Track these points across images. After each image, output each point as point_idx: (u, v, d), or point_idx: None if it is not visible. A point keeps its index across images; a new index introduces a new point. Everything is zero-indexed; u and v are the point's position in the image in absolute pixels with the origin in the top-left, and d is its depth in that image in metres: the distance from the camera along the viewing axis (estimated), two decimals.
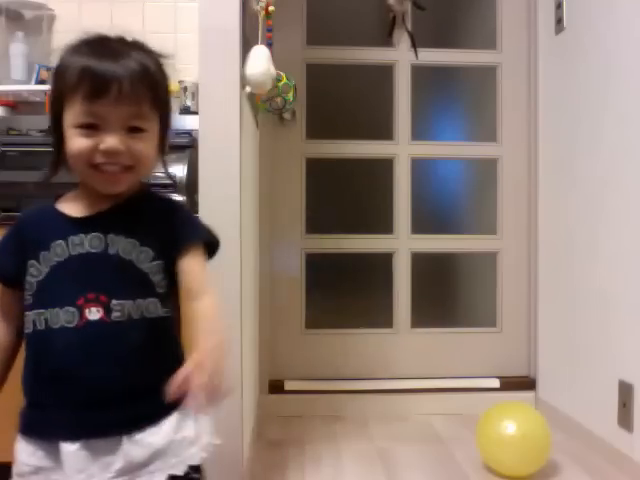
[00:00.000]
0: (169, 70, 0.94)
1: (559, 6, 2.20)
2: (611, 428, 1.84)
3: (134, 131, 0.87)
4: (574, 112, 2.11)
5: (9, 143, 1.62)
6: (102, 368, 0.85)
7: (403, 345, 2.44)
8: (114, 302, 0.86)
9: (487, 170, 2.49)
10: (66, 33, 2.21)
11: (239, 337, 1.47)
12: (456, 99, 2.56)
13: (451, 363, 2.43)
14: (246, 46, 1.56)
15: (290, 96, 2.09)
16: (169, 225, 0.92)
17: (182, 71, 2.16)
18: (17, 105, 2.01)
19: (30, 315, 0.87)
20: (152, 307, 0.89)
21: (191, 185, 1.51)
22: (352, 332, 2.43)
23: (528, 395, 2.35)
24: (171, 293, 0.92)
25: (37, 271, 0.88)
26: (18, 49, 2.03)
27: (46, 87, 1.97)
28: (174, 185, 0.99)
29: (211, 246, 0.95)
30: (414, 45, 2.41)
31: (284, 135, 2.40)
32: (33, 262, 0.88)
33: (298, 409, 2.29)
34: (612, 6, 1.88)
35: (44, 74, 2.01)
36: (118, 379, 0.86)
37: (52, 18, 2.13)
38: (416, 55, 2.41)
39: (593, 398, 1.96)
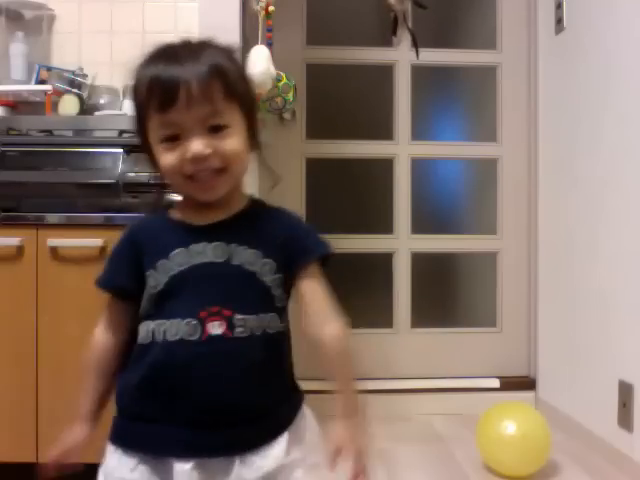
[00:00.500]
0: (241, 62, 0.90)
1: (559, 6, 2.20)
2: (611, 428, 1.84)
3: (216, 130, 0.82)
4: (574, 112, 2.11)
5: (9, 143, 1.62)
6: (222, 386, 0.81)
7: (403, 345, 2.44)
8: (237, 317, 0.81)
9: (487, 170, 2.49)
10: (66, 33, 2.22)
11: None
12: (456, 99, 2.56)
13: (451, 363, 2.43)
14: (246, 46, 1.56)
15: (290, 96, 2.09)
16: (292, 237, 0.88)
17: None
18: (17, 105, 2.01)
19: (150, 324, 0.82)
20: (273, 322, 0.85)
21: None
22: (352, 332, 2.42)
23: (528, 395, 2.35)
24: (287, 308, 0.89)
25: (155, 281, 0.83)
26: (18, 49, 2.03)
27: (46, 87, 1.97)
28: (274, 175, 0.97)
29: (326, 259, 0.90)
30: (415, 44, 2.40)
31: (284, 135, 2.40)
32: (151, 272, 0.84)
33: None
34: (612, 6, 1.88)
35: (44, 74, 2.01)
36: (237, 398, 0.82)
37: (52, 18, 2.13)
38: (417, 54, 2.41)
39: (593, 398, 1.96)
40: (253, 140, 0.89)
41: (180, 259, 0.83)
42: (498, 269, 2.47)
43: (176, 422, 0.80)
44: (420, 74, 2.47)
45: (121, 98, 2.07)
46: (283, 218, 0.92)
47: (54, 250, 1.54)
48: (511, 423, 1.70)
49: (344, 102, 2.48)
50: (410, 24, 2.42)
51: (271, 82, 1.66)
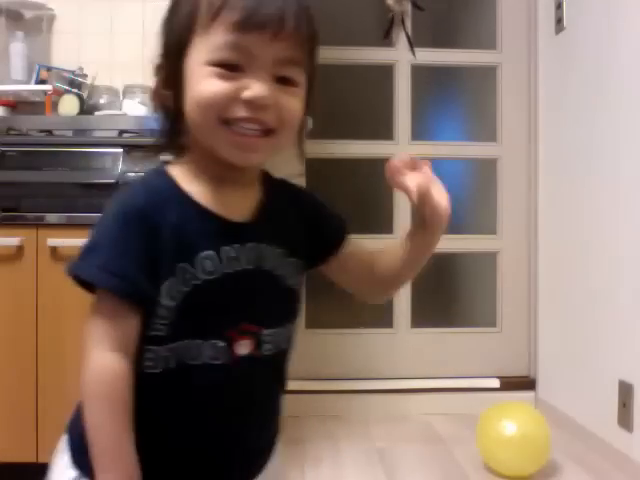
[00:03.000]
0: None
1: (559, 6, 2.20)
2: (611, 428, 1.84)
3: (284, 83, 0.65)
4: (574, 112, 2.11)
5: (9, 143, 1.62)
6: (259, 416, 0.70)
7: (403, 345, 2.44)
8: (265, 332, 0.68)
9: (487, 170, 2.49)
10: (66, 33, 2.21)
11: None
12: (456, 99, 2.56)
13: (451, 363, 2.43)
14: None
15: None
16: (314, 224, 0.76)
17: None
18: (17, 105, 2.01)
19: (159, 350, 0.64)
20: (294, 332, 0.74)
21: None
22: (352, 332, 2.43)
23: (528, 395, 2.35)
24: None
25: (176, 292, 0.63)
26: (18, 49, 2.03)
27: (46, 87, 1.97)
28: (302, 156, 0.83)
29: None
30: (411, 46, 2.41)
31: None
32: (171, 280, 0.63)
33: (298, 409, 2.29)
34: (612, 6, 1.88)
35: (44, 74, 2.00)
36: (271, 426, 0.73)
37: (52, 18, 2.13)
38: (414, 54, 2.41)
39: (593, 398, 1.96)
40: (304, 125, 0.72)
41: (209, 265, 0.65)
42: (498, 269, 2.47)
43: (194, 459, 0.66)
44: (420, 74, 2.47)
45: (121, 98, 2.06)
46: (302, 202, 0.78)
47: (54, 250, 1.53)
48: (511, 423, 1.70)
49: (344, 102, 2.48)
50: (409, 25, 2.42)
51: None
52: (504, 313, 2.46)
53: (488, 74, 2.47)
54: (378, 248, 0.81)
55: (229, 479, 0.70)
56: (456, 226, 2.51)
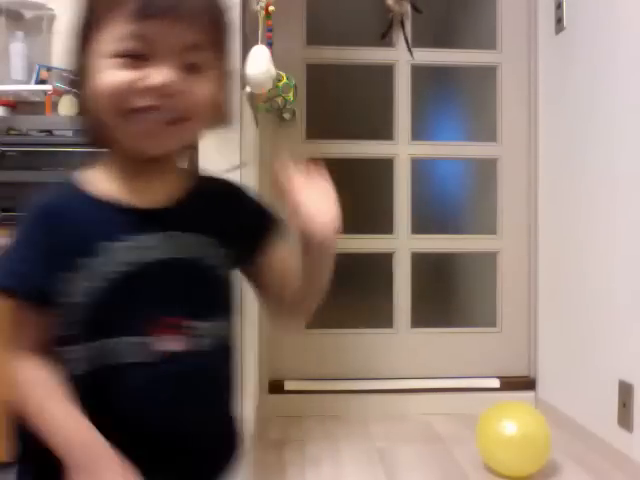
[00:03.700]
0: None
1: (559, 6, 2.20)
2: (611, 428, 1.84)
3: (192, 70, 0.63)
4: (574, 112, 2.11)
5: (9, 143, 1.62)
6: (185, 413, 0.65)
7: (403, 345, 2.44)
8: (198, 325, 0.65)
9: (487, 170, 2.49)
10: (66, 33, 2.21)
11: (239, 337, 1.47)
12: (456, 99, 2.56)
13: (451, 363, 2.43)
14: (246, 46, 1.56)
15: (290, 96, 2.09)
16: (246, 216, 0.74)
17: None
18: (17, 105, 2.01)
19: (77, 351, 0.62)
20: (232, 327, 0.71)
21: None
22: (352, 332, 2.43)
23: (528, 395, 2.35)
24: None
25: (83, 288, 0.62)
26: (18, 49, 2.03)
27: (46, 87, 1.97)
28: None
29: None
30: (409, 47, 2.41)
31: (284, 135, 2.40)
32: (74, 275, 0.62)
33: (298, 409, 2.29)
34: (612, 6, 1.88)
35: (44, 74, 2.00)
36: (204, 425, 0.67)
37: (52, 18, 2.13)
38: (411, 55, 2.41)
39: (593, 398, 1.96)
40: (216, 105, 0.68)
41: (124, 256, 0.62)
42: (498, 269, 2.47)
43: (137, 464, 0.62)
44: (420, 74, 2.47)
45: None
46: (234, 194, 0.76)
47: None
48: (511, 423, 1.70)
49: (344, 102, 2.48)
50: (409, 25, 2.42)
51: (271, 82, 1.66)
52: (504, 313, 2.46)
53: (488, 74, 2.47)
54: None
55: (168, 473, 0.66)
56: (456, 226, 2.52)
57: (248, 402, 1.71)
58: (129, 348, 0.62)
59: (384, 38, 2.42)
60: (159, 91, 0.60)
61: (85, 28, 0.64)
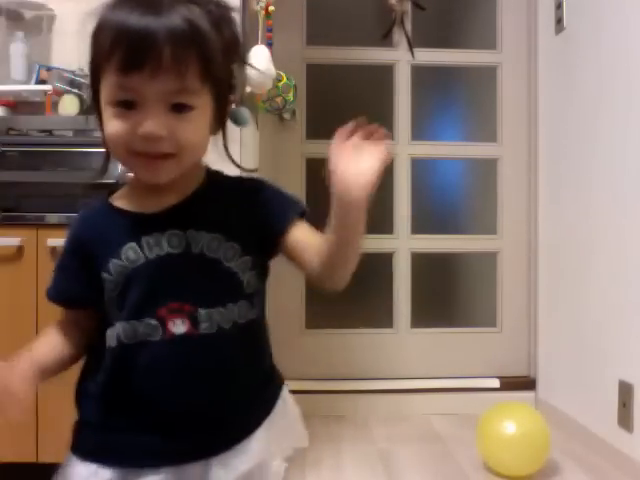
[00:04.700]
0: (234, 27, 0.75)
1: (559, 6, 2.20)
2: (611, 428, 1.84)
3: (179, 110, 0.70)
4: (574, 112, 2.11)
5: (9, 143, 1.62)
6: (191, 389, 0.74)
7: (403, 345, 2.44)
8: (201, 311, 0.74)
9: (487, 170, 2.49)
10: (66, 33, 2.21)
11: None
12: (456, 99, 2.56)
13: (451, 363, 2.43)
14: (246, 46, 1.56)
15: (290, 96, 2.09)
16: (262, 211, 0.79)
17: None
18: (17, 105, 2.01)
19: (113, 330, 0.75)
20: (243, 311, 0.77)
21: None
22: (352, 332, 2.43)
23: (528, 395, 2.35)
24: (261, 291, 0.81)
25: (112, 284, 0.75)
26: (18, 49, 2.03)
27: (46, 87, 1.97)
28: (240, 168, 0.85)
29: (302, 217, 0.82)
30: (410, 46, 2.41)
31: (284, 135, 2.40)
32: (105, 275, 0.75)
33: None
34: (612, 6, 1.88)
35: (44, 74, 2.00)
36: (209, 400, 0.75)
37: (52, 18, 2.13)
38: (412, 55, 2.41)
39: (593, 398, 1.96)
40: (218, 124, 0.78)
41: (132, 255, 0.74)
42: (498, 269, 2.47)
43: (146, 430, 0.74)
44: (420, 74, 2.47)
45: None
46: (244, 191, 0.81)
47: (54, 250, 1.53)
48: (511, 423, 1.70)
49: (344, 102, 2.48)
50: (409, 25, 2.43)
51: (271, 82, 1.66)
52: (504, 313, 2.46)
53: (488, 74, 2.48)
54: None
55: (183, 441, 0.75)
56: (456, 226, 2.52)
57: None
58: (141, 329, 0.74)
59: (386, 37, 2.42)
60: (148, 137, 0.69)
61: (93, 75, 0.74)
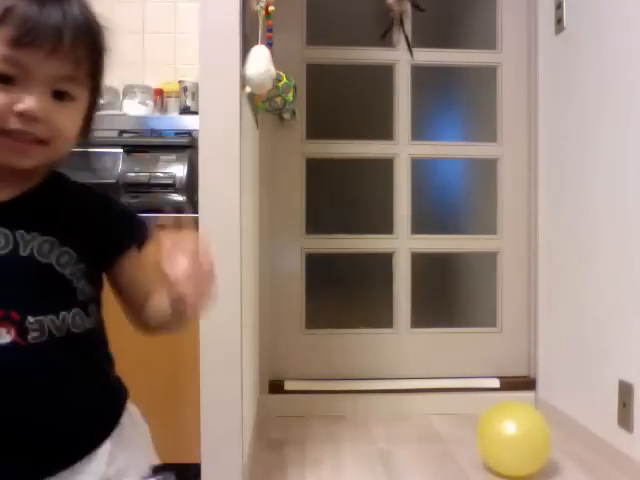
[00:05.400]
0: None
1: (559, 6, 2.20)
2: (611, 428, 1.84)
3: (60, 97, 0.68)
4: (574, 112, 2.11)
5: None
6: (16, 406, 0.67)
7: (403, 345, 2.44)
8: (30, 319, 0.67)
9: (487, 170, 2.49)
10: None
11: (239, 337, 1.47)
12: (456, 99, 2.56)
13: (451, 363, 2.43)
14: (246, 46, 1.56)
15: (290, 96, 2.09)
16: (101, 224, 0.76)
17: (182, 71, 2.16)
18: None
19: None
20: (78, 320, 0.72)
21: (191, 185, 1.51)
22: (352, 332, 2.43)
23: (528, 395, 2.35)
24: (96, 300, 0.77)
25: None
26: None
27: None
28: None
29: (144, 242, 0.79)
30: (409, 46, 2.41)
31: (284, 135, 2.40)
32: None
33: (298, 409, 2.29)
34: (612, 6, 1.88)
35: None
36: (38, 417, 0.68)
37: None
38: (411, 55, 2.41)
39: (593, 398, 1.96)
40: (86, 127, 0.74)
41: None
42: (498, 269, 2.47)
43: None
44: (420, 74, 2.47)
45: (121, 98, 2.07)
46: (88, 199, 0.77)
47: None
48: (511, 423, 1.70)
49: (344, 102, 2.48)
50: (409, 25, 2.43)
51: (271, 82, 1.65)
52: (504, 313, 2.46)
53: (488, 74, 2.48)
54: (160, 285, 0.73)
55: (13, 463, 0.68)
56: (456, 226, 2.52)
57: (248, 402, 1.71)
58: None
59: (384, 37, 2.42)
60: (27, 116, 0.65)
61: None
